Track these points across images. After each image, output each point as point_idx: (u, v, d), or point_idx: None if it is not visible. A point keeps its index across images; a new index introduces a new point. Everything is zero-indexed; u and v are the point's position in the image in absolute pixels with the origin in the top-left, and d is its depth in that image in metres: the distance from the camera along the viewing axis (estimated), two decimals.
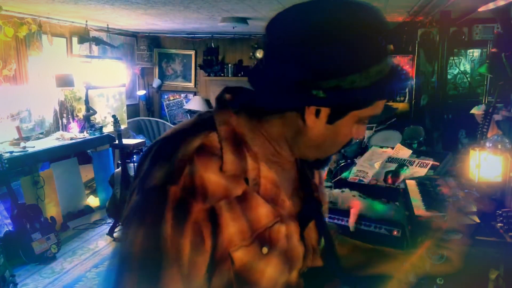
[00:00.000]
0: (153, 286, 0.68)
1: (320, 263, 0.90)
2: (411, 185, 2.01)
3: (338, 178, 2.44)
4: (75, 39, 5.19)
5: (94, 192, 5.18)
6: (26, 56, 4.40)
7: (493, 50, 2.43)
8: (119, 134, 4.43)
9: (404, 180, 2.13)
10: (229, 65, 6.81)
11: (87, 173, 5.10)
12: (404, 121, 3.91)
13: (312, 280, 0.85)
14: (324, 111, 0.72)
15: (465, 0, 3.64)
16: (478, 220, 1.57)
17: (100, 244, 4.13)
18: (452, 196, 1.74)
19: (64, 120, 5.06)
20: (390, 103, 5.34)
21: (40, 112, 4.69)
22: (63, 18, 4.87)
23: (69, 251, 3.96)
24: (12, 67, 4.22)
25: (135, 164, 4.96)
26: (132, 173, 4.38)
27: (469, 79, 5.15)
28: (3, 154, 3.58)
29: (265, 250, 0.75)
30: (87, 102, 5.05)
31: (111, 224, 4.31)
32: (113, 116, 4.58)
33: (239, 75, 6.64)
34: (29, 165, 4.11)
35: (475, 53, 5.16)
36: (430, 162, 2.33)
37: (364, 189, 2.19)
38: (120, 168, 4.39)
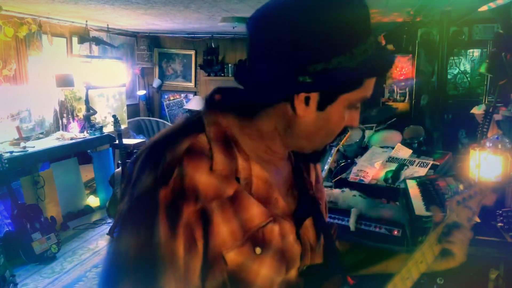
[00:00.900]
0: None
1: (319, 260, 0.89)
2: (411, 185, 2.01)
3: (338, 178, 2.44)
4: (75, 39, 5.19)
5: (94, 192, 5.18)
6: (26, 56, 4.40)
7: (493, 50, 2.43)
8: (119, 134, 4.43)
9: (404, 180, 2.13)
10: (229, 65, 6.82)
11: (87, 173, 5.10)
12: (404, 121, 3.91)
13: (311, 278, 0.85)
14: (313, 98, 0.71)
15: (465, 0, 3.64)
16: (478, 220, 1.57)
17: (100, 244, 4.12)
18: (452, 196, 1.74)
19: (64, 120, 5.06)
20: (390, 103, 5.35)
21: (40, 112, 4.69)
22: (63, 18, 4.87)
23: (69, 251, 3.96)
24: (12, 67, 4.22)
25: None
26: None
27: (469, 79, 5.15)
28: (3, 154, 3.58)
29: (258, 250, 0.74)
30: (87, 102, 5.05)
31: (111, 224, 4.31)
32: (113, 116, 4.58)
33: None
34: (29, 165, 4.11)
35: (475, 53, 5.16)
36: (430, 162, 2.33)
37: (364, 189, 2.19)
38: (120, 168, 4.39)
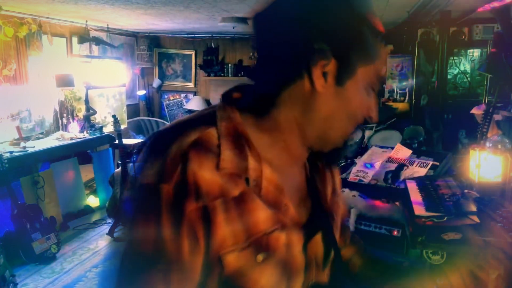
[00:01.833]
0: None
1: (325, 279, 0.84)
2: (411, 185, 2.01)
3: None
4: (75, 39, 5.19)
5: (94, 192, 5.18)
6: (26, 56, 4.40)
7: (493, 50, 2.43)
8: (119, 134, 4.42)
9: (404, 180, 2.13)
10: (229, 65, 6.82)
11: (87, 173, 5.10)
12: (404, 121, 3.91)
13: None
14: (331, 73, 0.70)
15: (465, 0, 3.64)
16: (478, 220, 1.57)
17: (100, 244, 4.12)
18: (452, 196, 1.74)
19: (64, 120, 5.06)
20: (390, 103, 5.35)
21: (40, 112, 4.69)
22: (63, 18, 4.88)
23: (69, 251, 3.95)
24: (12, 67, 4.22)
25: (135, 164, 4.97)
26: (132, 173, 4.38)
27: (469, 79, 5.16)
28: (3, 154, 3.58)
29: (260, 257, 0.69)
30: (87, 102, 5.05)
31: (111, 224, 4.31)
32: (113, 116, 4.58)
33: (239, 75, 6.64)
34: (29, 165, 4.11)
35: (475, 53, 5.16)
36: (430, 162, 2.33)
37: (364, 189, 2.19)
38: (120, 168, 4.39)
